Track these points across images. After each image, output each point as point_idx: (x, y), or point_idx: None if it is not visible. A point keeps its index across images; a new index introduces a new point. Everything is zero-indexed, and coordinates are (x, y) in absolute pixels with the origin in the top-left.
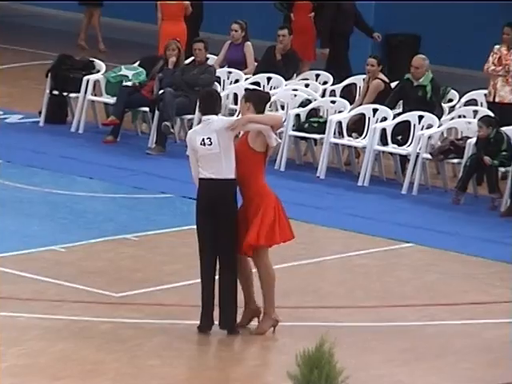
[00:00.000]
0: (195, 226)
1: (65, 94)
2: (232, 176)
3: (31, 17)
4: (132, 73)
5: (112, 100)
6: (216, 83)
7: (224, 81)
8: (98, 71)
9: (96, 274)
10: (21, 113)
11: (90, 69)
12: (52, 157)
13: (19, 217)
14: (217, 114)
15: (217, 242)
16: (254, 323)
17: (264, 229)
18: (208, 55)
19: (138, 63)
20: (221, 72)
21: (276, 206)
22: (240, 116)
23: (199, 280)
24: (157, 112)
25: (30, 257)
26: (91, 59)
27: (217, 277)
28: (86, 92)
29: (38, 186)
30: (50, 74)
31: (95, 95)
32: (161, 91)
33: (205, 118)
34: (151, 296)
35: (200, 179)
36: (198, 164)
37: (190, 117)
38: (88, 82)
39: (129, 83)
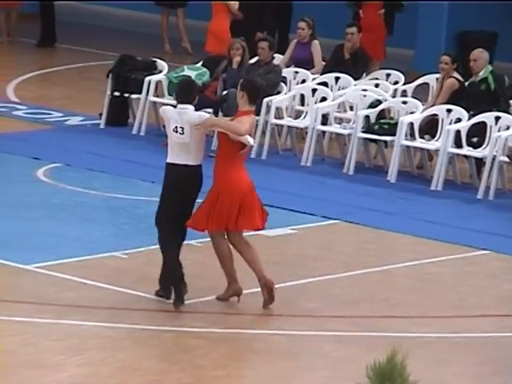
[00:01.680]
0: (160, 205)
1: (126, 95)
2: (199, 163)
3: (94, 16)
4: (195, 73)
5: (174, 101)
6: (282, 83)
7: (290, 81)
8: (160, 71)
9: (158, 282)
10: (81, 115)
11: (152, 69)
12: (113, 160)
13: (80, 222)
14: (192, 104)
15: (181, 220)
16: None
17: (215, 214)
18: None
19: (201, 63)
20: (287, 72)
21: (236, 196)
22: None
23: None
24: (220, 113)
25: (91, 263)
26: (153, 59)
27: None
28: (147, 93)
29: (98, 190)
30: (110, 75)
31: (157, 96)
32: (224, 92)
33: (181, 106)
34: (215, 304)
35: (168, 163)
36: (168, 148)
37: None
38: (150, 82)
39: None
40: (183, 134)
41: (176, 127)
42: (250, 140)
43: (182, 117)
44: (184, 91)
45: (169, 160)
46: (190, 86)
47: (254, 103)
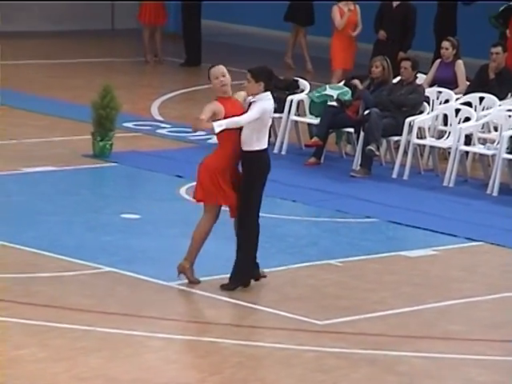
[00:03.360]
0: (254, 193)
1: None
2: None
3: (235, 36)
4: (337, 92)
5: (316, 120)
6: (425, 103)
7: (433, 101)
8: (302, 91)
9: (299, 301)
10: None
11: (294, 88)
12: None
13: (220, 240)
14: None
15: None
16: None
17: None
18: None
19: (343, 82)
20: (430, 91)
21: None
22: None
23: (407, 309)
24: (362, 133)
25: None
26: (295, 78)
27: None
28: (289, 112)
29: None
30: None
31: (299, 115)
32: (366, 111)
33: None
34: (356, 324)
35: (261, 151)
36: (257, 135)
37: (396, 138)
38: (292, 101)
39: (334, 103)
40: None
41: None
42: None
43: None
44: (272, 79)
45: (263, 147)
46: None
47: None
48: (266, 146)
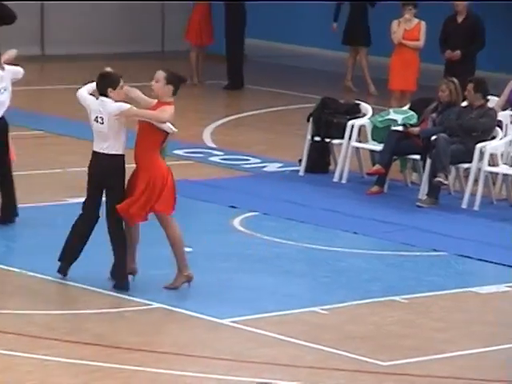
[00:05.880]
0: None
1: (327, 140)
2: (120, 152)
3: (290, 57)
4: (401, 116)
5: (379, 147)
6: (497, 128)
7: (507, 125)
8: (364, 115)
9: (361, 340)
10: (279, 161)
11: (356, 113)
12: (312, 209)
13: (277, 274)
14: (107, 96)
15: (107, 207)
16: None
17: (141, 201)
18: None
19: (408, 106)
20: (503, 115)
21: (162, 181)
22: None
23: (478, 350)
24: (429, 160)
25: (288, 318)
26: (357, 102)
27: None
28: (350, 138)
29: (297, 241)
30: (311, 119)
31: (360, 141)
32: (434, 137)
33: (101, 98)
34: (422, 366)
35: (93, 151)
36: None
37: (466, 166)
38: (353, 127)
39: (399, 128)
40: (103, 123)
41: (97, 117)
42: (172, 127)
43: (102, 107)
44: (101, 82)
45: (93, 148)
46: (105, 77)
47: (175, 94)
48: (94, 149)
